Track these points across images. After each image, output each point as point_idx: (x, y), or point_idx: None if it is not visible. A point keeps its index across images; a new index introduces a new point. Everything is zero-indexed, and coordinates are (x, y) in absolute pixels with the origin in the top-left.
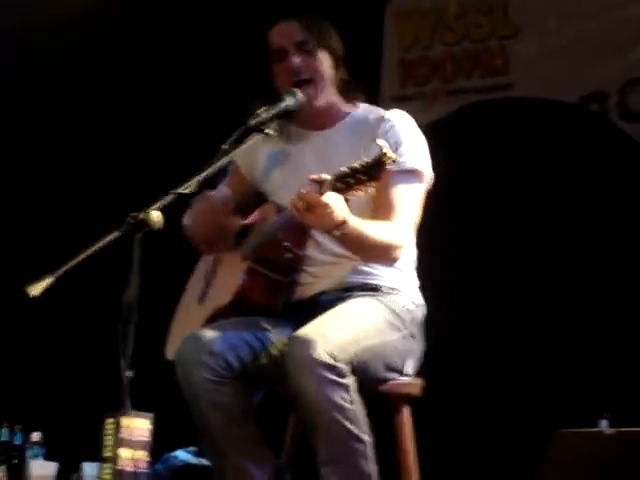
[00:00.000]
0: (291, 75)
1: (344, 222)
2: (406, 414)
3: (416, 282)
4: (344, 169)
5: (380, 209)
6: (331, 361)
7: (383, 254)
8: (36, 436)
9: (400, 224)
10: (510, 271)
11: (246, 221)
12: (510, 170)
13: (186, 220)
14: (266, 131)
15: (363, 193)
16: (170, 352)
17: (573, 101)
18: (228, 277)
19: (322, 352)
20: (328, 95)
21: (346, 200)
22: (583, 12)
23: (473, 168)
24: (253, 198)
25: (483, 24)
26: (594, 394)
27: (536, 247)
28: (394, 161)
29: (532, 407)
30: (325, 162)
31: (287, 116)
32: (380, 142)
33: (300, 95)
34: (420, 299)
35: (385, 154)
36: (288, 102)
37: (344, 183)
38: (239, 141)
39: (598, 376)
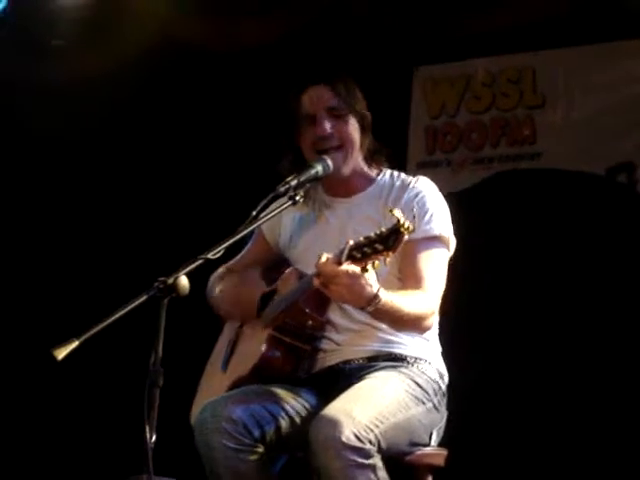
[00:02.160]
0: (321, 141)
1: (376, 297)
2: None
3: (439, 350)
4: (361, 239)
5: (409, 277)
6: (358, 444)
7: (416, 324)
8: None
9: (430, 292)
10: (532, 338)
11: (268, 288)
12: (536, 241)
13: (212, 291)
14: (295, 198)
15: (381, 263)
16: (194, 418)
17: (600, 172)
18: (250, 345)
19: (349, 434)
20: (355, 162)
21: (365, 270)
22: (609, 83)
23: (499, 238)
24: (275, 264)
25: (511, 93)
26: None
27: (561, 315)
28: (410, 231)
29: (555, 473)
30: (349, 230)
31: (316, 182)
32: (396, 212)
33: (329, 163)
34: (443, 367)
35: (402, 224)
36: (318, 169)
37: (361, 252)
38: (267, 207)
39: (617, 435)
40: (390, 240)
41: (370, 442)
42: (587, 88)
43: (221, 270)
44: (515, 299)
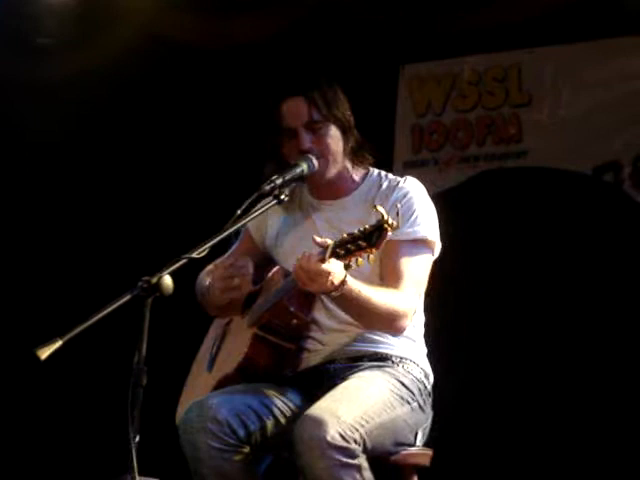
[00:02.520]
0: (302, 154)
1: (342, 282)
2: None
3: (424, 350)
4: (344, 235)
5: (388, 277)
6: (343, 443)
7: (387, 321)
8: None
9: (406, 292)
10: (517, 338)
11: (254, 288)
12: (522, 239)
13: (201, 286)
14: (280, 197)
15: (364, 260)
16: (180, 417)
17: (587, 171)
18: (235, 344)
19: (334, 433)
20: (340, 166)
21: (348, 267)
22: (596, 82)
23: (486, 236)
24: (262, 263)
25: (497, 91)
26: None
27: (547, 316)
28: (394, 228)
29: (545, 475)
30: (337, 232)
31: (301, 181)
32: (380, 208)
33: (314, 161)
34: (428, 368)
35: (385, 220)
36: (303, 167)
37: (344, 249)
38: (253, 206)
39: (608, 439)
40: (373, 237)
41: (355, 442)
42: (574, 86)
43: (209, 267)
44: (501, 298)
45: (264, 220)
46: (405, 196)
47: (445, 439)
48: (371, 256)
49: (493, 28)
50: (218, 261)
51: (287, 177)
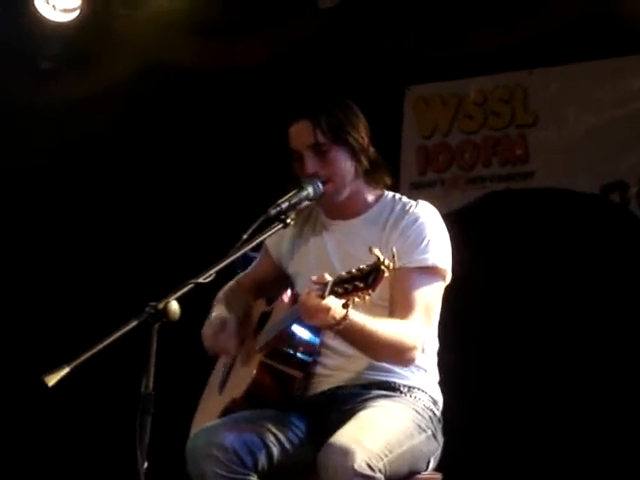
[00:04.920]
0: (308, 177)
1: (344, 317)
2: None
3: (436, 378)
4: (343, 274)
5: (397, 306)
6: (369, 472)
7: (394, 354)
8: None
9: (415, 323)
10: (527, 361)
11: (267, 308)
12: (530, 260)
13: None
14: (286, 221)
15: (361, 300)
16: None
17: (594, 191)
18: (244, 368)
19: (361, 462)
20: (351, 187)
21: (346, 305)
22: (602, 101)
23: (493, 258)
24: (281, 280)
25: (503, 112)
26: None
27: (556, 337)
28: (391, 269)
29: None
30: (347, 254)
31: (310, 202)
32: (375, 251)
33: (320, 185)
34: (439, 395)
35: (382, 261)
36: (309, 191)
37: (342, 288)
38: (259, 230)
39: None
40: (370, 278)
41: (380, 471)
42: (579, 106)
43: (231, 283)
44: (509, 319)
45: (282, 238)
46: (416, 222)
47: (454, 463)
48: (367, 297)
49: (498, 49)
50: (240, 276)
51: (293, 201)
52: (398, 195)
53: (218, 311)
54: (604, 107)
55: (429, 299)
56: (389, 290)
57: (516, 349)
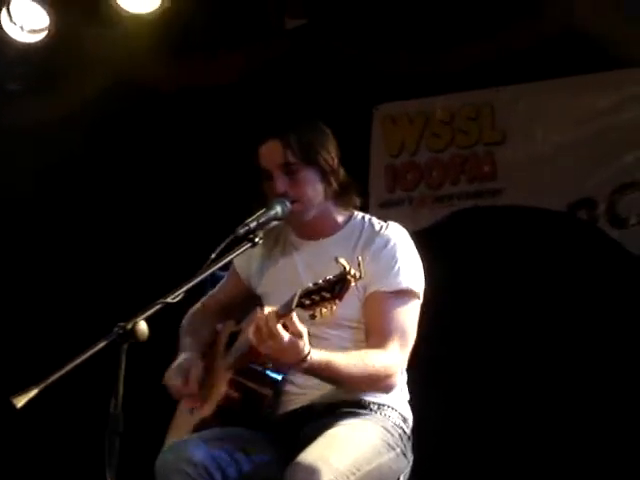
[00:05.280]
0: (279, 197)
1: (304, 360)
2: None
3: (406, 396)
4: (310, 285)
5: (372, 333)
6: None
7: (369, 385)
8: None
9: (391, 351)
10: (495, 377)
11: (235, 328)
12: (498, 278)
13: (182, 334)
14: (255, 240)
15: (328, 311)
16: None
17: (561, 208)
18: (214, 387)
19: None
20: (320, 208)
21: (313, 317)
22: (570, 119)
23: (461, 276)
24: (248, 300)
25: (470, 130)
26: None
27: (526, 353)
28: (357, 278)
29: None
30: (316, 274)
31: (278, 221)
32: (341, 261)
33: (288, 204)
34: (409, 413)
35: (348, 271)
36: (277, 210)
37: (309, 299)
38: (227, 250)
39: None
40: (337, 287)
41: None
42: (546, 123)
43: (197, 306)
44: (478, 336)
45: (250, 257)
46: (387, 245)
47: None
48: (334, 307)
49: (466, 67)
50: (205, 299)
51: (261, 220)
52: (367, 216)
53: (181, 354)
54: (571, 124)
55: (404, 322)
56: (358, 312)
57: (486, 366)
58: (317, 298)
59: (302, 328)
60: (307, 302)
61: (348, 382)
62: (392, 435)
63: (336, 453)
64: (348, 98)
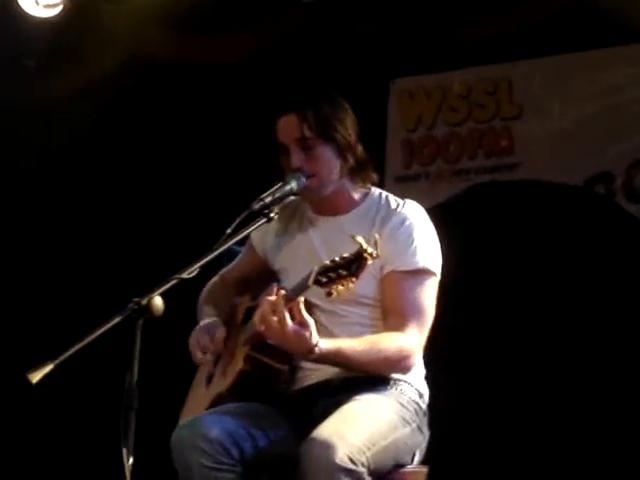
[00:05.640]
0: (292, 171)
1: (311, 350)
2: None
3: (422, 372)
4: (327, 262)
5: (389, 313)
6: (352, 466)
7: (387, 368)
8: None
9: (409, 332)
10: (511, 352)
11: (252, 303)
12: (515, 252)
13: (200, 306)
14: (270, 215)
15: (345, 289)
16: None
17: (579, 183)
18: (230, 362)
19: (343, 456)
20: (335, 185)
21: (329, 294)
22: (587, 94)
23: (478, 249)
24: (265, 275)
25: (487, 104)
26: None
27: (542, 330)
28: (374, 257)
29: None
30: (333, 250)
31: (295, 196)
32: (358, 238)
33: (304, 180)
34: (425, 388)
35: (365, 249)
36: (292, 185)
37: (326, 277)
38: (243, 225)
39: (605, 444)
40: (353, 266)
41: (362, 464)
42: (564, 98)
43: (215, 280)
44: (495, 311)
45: (266, 233)
46: (403, 223)
47: (440, 456)
48: (350, 285)
49: (483, 41)
50: (224, 271)
51: (276, 195)
52: (385, 193)
53: (205, 319)
54: (589, 99)
55: (422, 303)
56: (375, 290)
57: (502, 341)
58: (334, 275)
59: (309, 318)
60: (324, 279)
61: (361, 369)
62: (408, 410)
63: (351, 428)
64: (364, 73)
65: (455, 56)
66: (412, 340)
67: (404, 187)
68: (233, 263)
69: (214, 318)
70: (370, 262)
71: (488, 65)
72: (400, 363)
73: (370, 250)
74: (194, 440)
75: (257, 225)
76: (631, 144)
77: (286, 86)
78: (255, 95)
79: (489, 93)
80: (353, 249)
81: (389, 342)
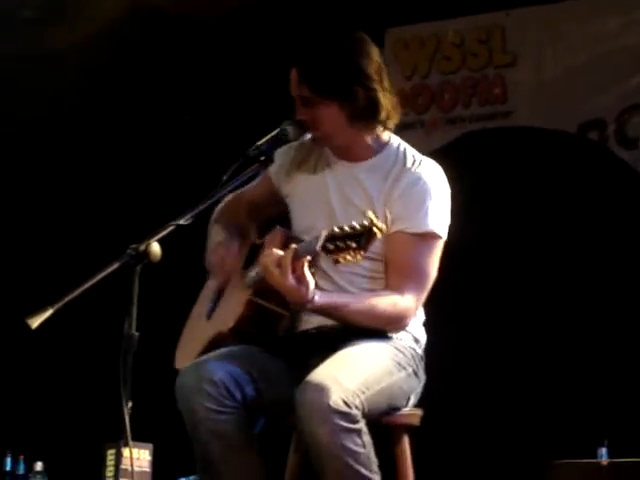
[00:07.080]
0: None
1: (306, 302)
2: (405, 443)
3: (421, 318)
4: (336, 229)
5: (392, 273)
6: (345, 409)
7: (381, 325)
8: (39, 466)
9: (407, 294)
10: (505, 303)
11: (258, 241)
12: (509, 199)
13: (211, 226)
14: (266, 162)
15: (352, 258)
16: (177, 363)
17: (572, 129)
18: (232, 301)
19: (337, 399)
20: (346, 134)
21: (337, 262)
22: (579, 41)
23: (472, 196)
24: (276, 204)
25: (481, 53)
26: (593, 424)
27: (533, 280)
28: (384, 232)
29: (530, 437)
30: (347, 199)
31: (285, 143)
32: (370, 214)
33: (305, 131)
34: (422, 335)
35: (375, 224)
36: (289, 132)
37: (334, 245)
38: (239, 172)
39: (597, 406)
40: (362, 239)
41: (356, 407)
42: (557, 46)
43: (229, 198)
44: (487, 260)
45: (282, 166)
46: (417, 183)
47: (435, 399)
48: (358, 257)
49: None
50: (239, 191)
51: (272, 142)
52: (404, 145)
53: (219, 236)
54: (582, 46)
55: (425, 266)
56: (379, 244)
57: (495, 291)
58: (342, 245)
59: (310, 278)
60: (331, 247)
61: (356, 324)
62: (404, 355)
63: (346, 372)
64: (359, 21)
65: (449, 5)
66: (409, 302)
67: (399, 135)
68: (248, 186)
69: (230, 239)
70: (379, 237)
71: (481, 14)
72: (394, 324)
73: (380, 225)
74: (199, 384)
75: (253, 171)
76: (623, 91)
77: (287, 37)
78: (253, 45)
79: (482, 42)
80: (366, 204)
81: (385, 303)
